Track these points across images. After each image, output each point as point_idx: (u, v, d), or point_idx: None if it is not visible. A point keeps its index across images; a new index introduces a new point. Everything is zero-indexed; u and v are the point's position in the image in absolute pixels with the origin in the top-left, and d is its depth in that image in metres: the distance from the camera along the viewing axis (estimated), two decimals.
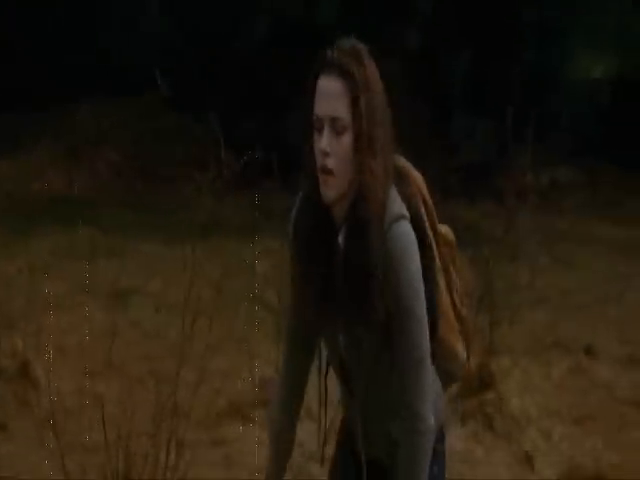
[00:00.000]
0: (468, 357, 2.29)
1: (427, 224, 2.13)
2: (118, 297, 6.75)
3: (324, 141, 1.98)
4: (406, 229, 2.02)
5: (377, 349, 2.09)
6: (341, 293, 2.06)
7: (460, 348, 2.25)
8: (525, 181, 10.71)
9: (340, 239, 2.07)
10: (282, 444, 2.33)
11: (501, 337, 5.78)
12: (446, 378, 2.27)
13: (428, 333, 2.05)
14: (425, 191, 2.19)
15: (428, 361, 2.06)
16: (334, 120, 1.99)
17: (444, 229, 2.25)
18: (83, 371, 5.44)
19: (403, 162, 2.17)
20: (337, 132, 2.00)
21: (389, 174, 2.05)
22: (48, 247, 7.61)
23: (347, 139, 2.00)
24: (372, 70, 2.04)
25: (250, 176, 4.86)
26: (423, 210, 2.14)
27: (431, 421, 2.04)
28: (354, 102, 1.98)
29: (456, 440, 4.87)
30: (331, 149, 1.99)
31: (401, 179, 2.11)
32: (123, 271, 6.99)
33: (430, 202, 2.18)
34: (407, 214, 2.05)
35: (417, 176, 2.19)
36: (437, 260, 2.16)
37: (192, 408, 3.96)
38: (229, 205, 6.83)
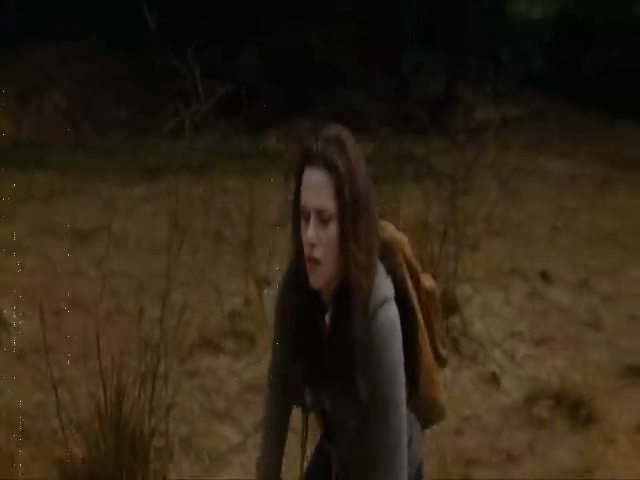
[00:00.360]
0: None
1: (412, 294, 2.22)
2: (79, 237, 6.71)
3: (311, 232, 2.04)
4: (390, 314, 2.09)
5: (361, 420, 2.16)
6: (327, 368, 2.15)
7: (440, 397, 2.36)
8: (474, 117, 10.82)
9: (327, 318, 2.15)
10: None
11: (462, 266, 5.92)
12: (426, 422, 2.40)
13: (405, 416, 2.12)
14: (409, 252, 2.27)
15: (404, 443, 2.13)
16: (320, 211, 2.05)
17: (427, 282, 2.32)
18: (50, 310, 5.43)
19: (388, 230, 2.23)
20: (323, 222, 2.06)
21: (373, 262, 2.10)
22: (6, 191, 7.49)
23: (333, 228, 2.05)
24: (355, 157, 2.08)
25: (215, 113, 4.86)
26: (408, 279, 2.22)
27: None
28: (338, 193, 2.04)
29: None
30: (318, 239, 2.05)
31: (386, 250, 2.17)
32: (82, 212, 6.94)
33: (414, 262, 2.27)
34: (391, 294, 2.12)
35: (400, 240, 2.27)
36: (420, 322, 2.25)
37: (164, 341, 4.01)
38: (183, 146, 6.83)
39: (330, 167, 2.04)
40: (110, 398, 3.68)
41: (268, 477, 2.45)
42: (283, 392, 2.45)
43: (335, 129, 2.12)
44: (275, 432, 2.45)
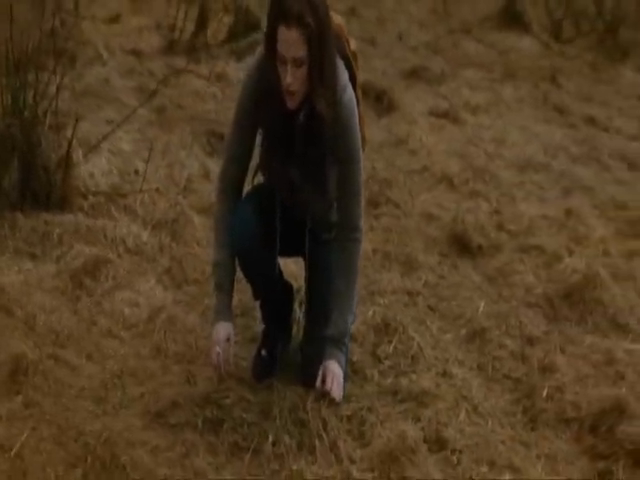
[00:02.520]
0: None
1: (353, 60, 2.79)
2: None
3: (289, 79, 2.55)
4: (350, 96, 2.65)
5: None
6: (300, 162, 2.66)
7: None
8: None
9: (301, 117, 2.63)
10: (229, 278, 2.71)
11: None
12: None
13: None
14: (345, 29, 2.79)
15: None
16: (295, 59, 2.54)
17: (352, 45, 2.82)
18: None
19: (334, 18, 2.68)
20: (297, 66, 2.55)
21: (335, 76, 2.62)
22: None
23: (305, 68, 2.56)
24: (323, 12, 2.53)
25: None
26: (348, 48, 2.77)
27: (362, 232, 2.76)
28: (309, 45, 2.52)
29: None
30: (293, 79, 2.56)
31: (336, 38, 2.66)
32: None
33: (346, 34, 2.79)
34: (347, 77, 2.66)
35: (340, 23, 2.76)
36: (359, 81, 2.82)
37: None
38: None
39: (303, 25, 2.50)
40: None
41: (223, 279, 2.73)
42: (235, 194, 2.76)
43: None
44: (228, 232, 2.73)
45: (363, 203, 2.75)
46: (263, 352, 2.92)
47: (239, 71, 5.62)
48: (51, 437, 2.55)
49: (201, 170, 4.29)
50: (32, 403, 2.67)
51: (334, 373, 2.64)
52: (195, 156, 4.44)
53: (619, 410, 2.63)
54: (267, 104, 2.63)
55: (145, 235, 3.62)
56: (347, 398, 2.76)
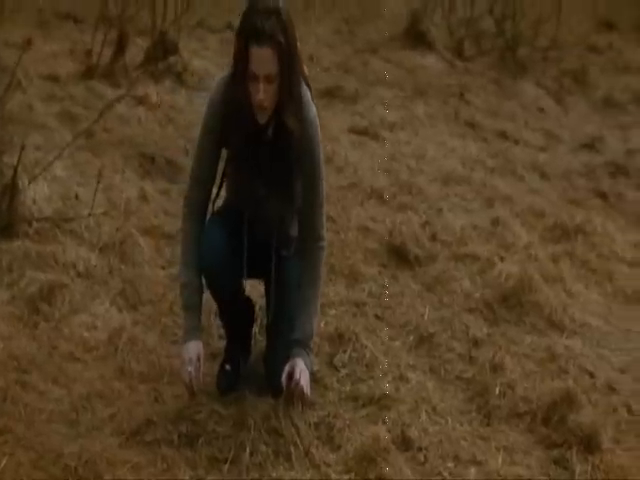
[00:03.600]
0: None
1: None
2: None
3: (262, 95, 2.67)
4: (315, 112, 2.80)
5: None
6: (268, 176, 2.78)
7: None
8: None
9: (269, 132, 2.75)
10: (197, 298, 2.81)
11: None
12: None
13: None
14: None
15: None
16: (267, 76, 2.67)
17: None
18: None
19: None
20: (269, 82, 2.68)
21: (301, 92, 2.77)
22: None
23: (276, 84, 2.68)
24: (291, 29, 2.68)
25: None
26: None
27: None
28: (281, 61, 2.66)
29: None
30: (266, 96, 2.68)
31: None
32: None
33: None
34: (309, 94, 2.80)
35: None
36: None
37: None
38: None
39: (275, 43, 2.63)
40: None
41: (192, 299, 2.81)
42: (202, 215, 2.85)
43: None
44: (195, 251, 2.81)
45: (325, 213, 2.90)
46: (227, 367, 3.01)
47: (162, 95, 5.72)
48: (30, 462, 2.58)
49: (139, 193, 4.34)
50: (5, 429, 2.69)
51: (301, 368, 2.77)
52: (130, 179, 4.49)
53: (568, 401, 2.85)
54: (236, 120, 2.73)
55: (94, 258, 3.65)
56: (311, 406, 2.89)
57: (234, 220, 2.82)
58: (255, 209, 2.82)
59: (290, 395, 2.75)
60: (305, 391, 2.75)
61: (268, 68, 2.64)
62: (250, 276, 2.95)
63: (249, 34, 2.63)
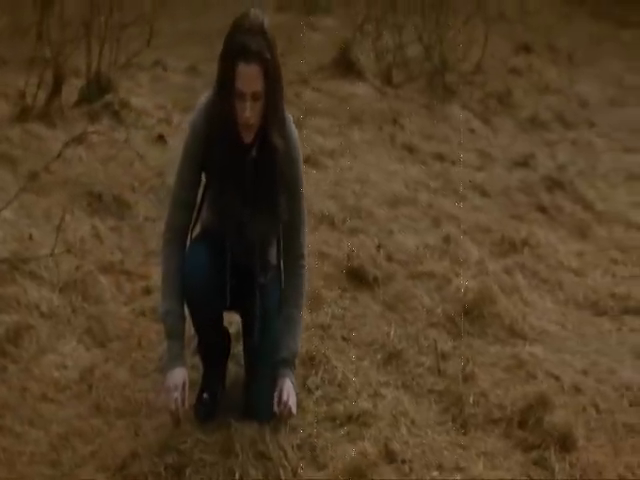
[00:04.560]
0: None
1: None
2: None
3: (248, 112, 2.70)
4: (295, 129, 2.85)
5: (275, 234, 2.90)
6: (251, 194, 2.80)
7: None
8: None
9: (253, 152, 2.78)
10: (180, 325, 2.82)
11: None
12: None
13: None
14: None
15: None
16: (254, 93, 2.70)
17: None
18: None
19: None
20: (256, 100, 2.71)
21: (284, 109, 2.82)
22: None
23: (261, 102, 2.72)
24: (275, 46, 2.73)
25: None
26: None
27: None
28: (267, 78, 2.70)
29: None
30: (253, 113, 2.71)
31: None
32: None
33: None
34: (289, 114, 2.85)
35: None
36: None
37: None
38: None
39: (262, 60, 2.68)
40: None
41: (175, 327, 2.83)
42: (183, 241, 2.86)
43: (255, 17, 2.71)
44: (176, 278, 2.82)
45: (306, 233, 2.96)
46: (205, 395, 3.03)
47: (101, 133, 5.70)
48: None
49: (91, 231, 4.32)
50: None
51: (288, 389, 2.82)
52: (80, 218, 4.46)
53: (542, 404, 2.95)
54: (220, 140, 2.76)
55: (55, 298, 3.63)
56: (291, 428, 2.93)
57: (216, 245, 2.84)
58: (238, 232, 2.84)
59: (279, 417, 2.79)
60: (293, 412, 2.79)
61: (255, 85, 2.68)
62: (228, 306, 2.98)
63: (236, 52, 2.66)
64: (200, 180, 2.87)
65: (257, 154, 2.80)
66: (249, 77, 2.66)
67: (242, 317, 3.09)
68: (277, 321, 2.91)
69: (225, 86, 2.70)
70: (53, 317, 3.53)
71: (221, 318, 2.98)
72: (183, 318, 2.84)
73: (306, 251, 2.97)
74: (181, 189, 2.85)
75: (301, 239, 2.93)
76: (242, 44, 2.66)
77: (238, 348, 3.22)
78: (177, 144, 5.68)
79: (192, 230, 2.93)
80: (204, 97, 2.84)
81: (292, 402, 2.80)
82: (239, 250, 2.86)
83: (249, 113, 2.70)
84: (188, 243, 2.90)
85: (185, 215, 2.87)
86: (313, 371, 3.28)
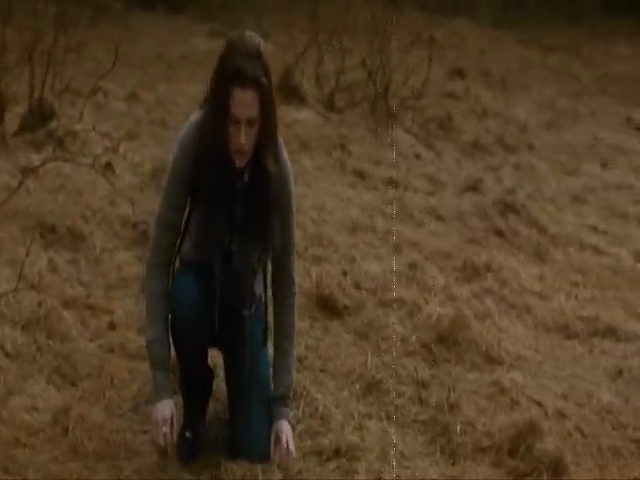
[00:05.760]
0: None
1: None
2: None
3: (243, 138, 2.63)
4: (285, 153, 2.81)
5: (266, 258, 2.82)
6: (242, 220, 2.73)
7: None
8: None
9: (245, 177, 2.71)
10: (166, 354, 2.75)
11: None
12: None
13: None
14: None
15: None
16: (250, 119, 2.64)
17: None
18: None
19: None
20: (251, 125, 2.65)
21: (277, 139, 2.76)
22: None
23: (256, 127, 2.66)
24: (270, 70, 2.68)
25: None
26: None
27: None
28: (262, 103, 2.65)
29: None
30: (248, 139, 2.65)
31: None
32: None
33: None
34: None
35: None
36: None
37: None
38: None
39: (258, 85, 2.62)
40: None
41: (161, 356, 2.75)
42: (168, 266, 2.78)
43: (251, 39, 2.65)
44: (162, 305, 2.74)
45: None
46: (187, 434, 2.93)
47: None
48: None
49: (48, 265, 4.17)
50: None
51: (287, 431, 2.75)
52: (35, 251, 4.30)
53: (531, 431, 2.95)
54: (212, 166, 2.67)
55: (19, 337, 3.47)
56: (277, 466, 2.86)
57: (203, 274, 2.75)
58: (226, 261, 2.76)
59: (279, 459, 2.72)
60: (293, 456, 2.73)
61: (251, 112, 2.62)
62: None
63: (232, 76, 2.60)
64: (186, 203, 2.77)
65: (249, 179, 2.73)
66: (245, 103, 2.61)
67: (225, 351, 3.01)
68: (263, 353, 2.84)
69: (218, 110, 2.63)
70: (18, 357, 3.37)
71: (207, 351, 2.89)
72: (169, 347, 2.75)
73: (296, 276, 2.91)
74: (168, 211, 2.75)
75: (293, 264, 2.88)
76: (238, 68, 2.60)
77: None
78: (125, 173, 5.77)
79: (176, 256, 2.84)
80: (193, 116, 2.76)
81: (292, 446, 2.74)
82: (226, 280, 2.78)
83: (244, 139, 2.64)
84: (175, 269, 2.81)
85: (171, 238, 2.77)
86: (294, 404, 3.21)
